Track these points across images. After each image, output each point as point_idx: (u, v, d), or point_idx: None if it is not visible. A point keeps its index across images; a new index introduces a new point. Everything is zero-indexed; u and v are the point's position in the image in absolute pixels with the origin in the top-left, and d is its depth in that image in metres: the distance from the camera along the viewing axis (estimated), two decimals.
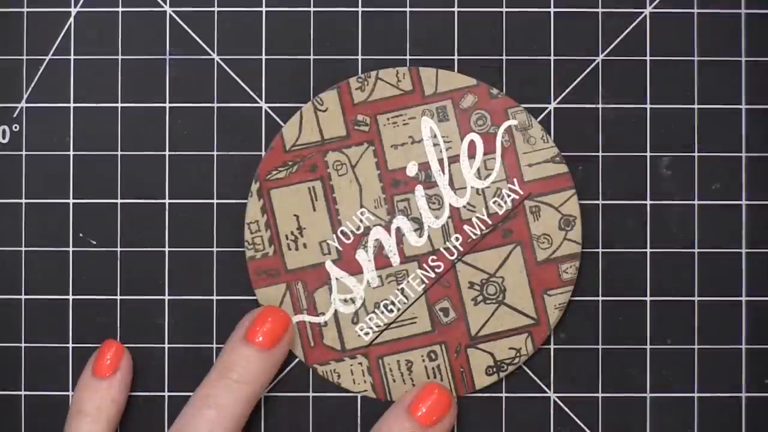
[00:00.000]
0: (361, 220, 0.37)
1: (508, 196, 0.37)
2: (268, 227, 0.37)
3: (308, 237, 0.37)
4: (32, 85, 0.38)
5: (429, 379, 0.37)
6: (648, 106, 0.38)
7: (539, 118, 0.38)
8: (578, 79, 0.38)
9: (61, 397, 0.38)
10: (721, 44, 0.38)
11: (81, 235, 0.38)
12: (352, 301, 0.37)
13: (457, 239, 0.37)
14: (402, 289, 0.37)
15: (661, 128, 0.38)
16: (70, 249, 0.38)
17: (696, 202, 0.38)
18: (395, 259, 0.37)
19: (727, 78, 0.38)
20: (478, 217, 0.37)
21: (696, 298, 0.38)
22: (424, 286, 0.37)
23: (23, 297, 0.38)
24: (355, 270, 0.37)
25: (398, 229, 0.37)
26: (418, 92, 0.37)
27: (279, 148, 0.37)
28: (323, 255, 0.37)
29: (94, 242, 0.38)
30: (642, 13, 0.38)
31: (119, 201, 0.38)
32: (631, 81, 0.38)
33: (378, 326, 0.37)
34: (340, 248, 0.37)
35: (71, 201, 0.38)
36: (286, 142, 0.37)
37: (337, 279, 0.37)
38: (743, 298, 0.38)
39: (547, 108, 0.38)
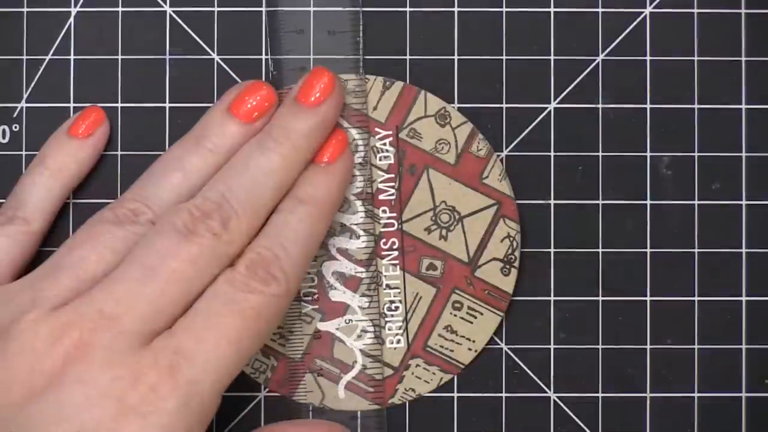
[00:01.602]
0: (309, 272, 0.37)
1: (383, 143, 0.37)
2: None
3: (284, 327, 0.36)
4: (32, 85, 0.38)
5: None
6: (648, 106, 0.38)
7: (539, 118, 0.38)
8: (578, 79, 0.38)
9: None
10: (721, 44, 0.38)
11: None
12: (365, 332, 0.37)
13: (384, 211, 0.37)
14: (388, 285, 0.37)
15: (661, 128, 0.38)
16: None
17: (696, 202, 0.38)
18: (359, 271, 0.37)
19: (727, 78, 0.38)
20: (381, 182, 0.37)
21: (696, 298, 0.38)
22: (399, 265, 0.37)
23: None
24: (342, 310, 0.37)
25: (340, 251, 0.36)
26: None
27: None
28: (309, 324, 0.36)
29: None
30: (642, 13, 0.38)
31: None
32: (631, 81, 0.38)
33: (400, 327, 0.37)
34: (316, 306, 0.36)
35: (71, 201, 0.38)
36: None
37: (336, 332, 0.36)
38: (743, 298, 0.38)
39: (547, 108, 0.38)
